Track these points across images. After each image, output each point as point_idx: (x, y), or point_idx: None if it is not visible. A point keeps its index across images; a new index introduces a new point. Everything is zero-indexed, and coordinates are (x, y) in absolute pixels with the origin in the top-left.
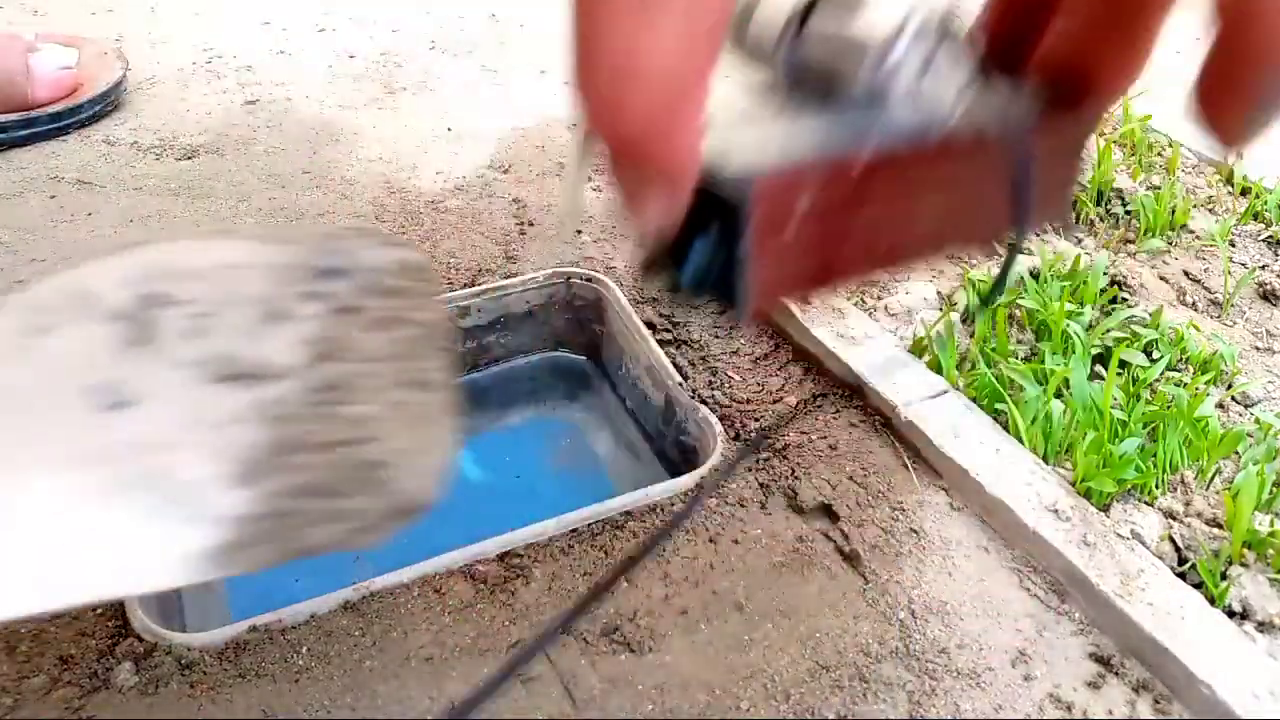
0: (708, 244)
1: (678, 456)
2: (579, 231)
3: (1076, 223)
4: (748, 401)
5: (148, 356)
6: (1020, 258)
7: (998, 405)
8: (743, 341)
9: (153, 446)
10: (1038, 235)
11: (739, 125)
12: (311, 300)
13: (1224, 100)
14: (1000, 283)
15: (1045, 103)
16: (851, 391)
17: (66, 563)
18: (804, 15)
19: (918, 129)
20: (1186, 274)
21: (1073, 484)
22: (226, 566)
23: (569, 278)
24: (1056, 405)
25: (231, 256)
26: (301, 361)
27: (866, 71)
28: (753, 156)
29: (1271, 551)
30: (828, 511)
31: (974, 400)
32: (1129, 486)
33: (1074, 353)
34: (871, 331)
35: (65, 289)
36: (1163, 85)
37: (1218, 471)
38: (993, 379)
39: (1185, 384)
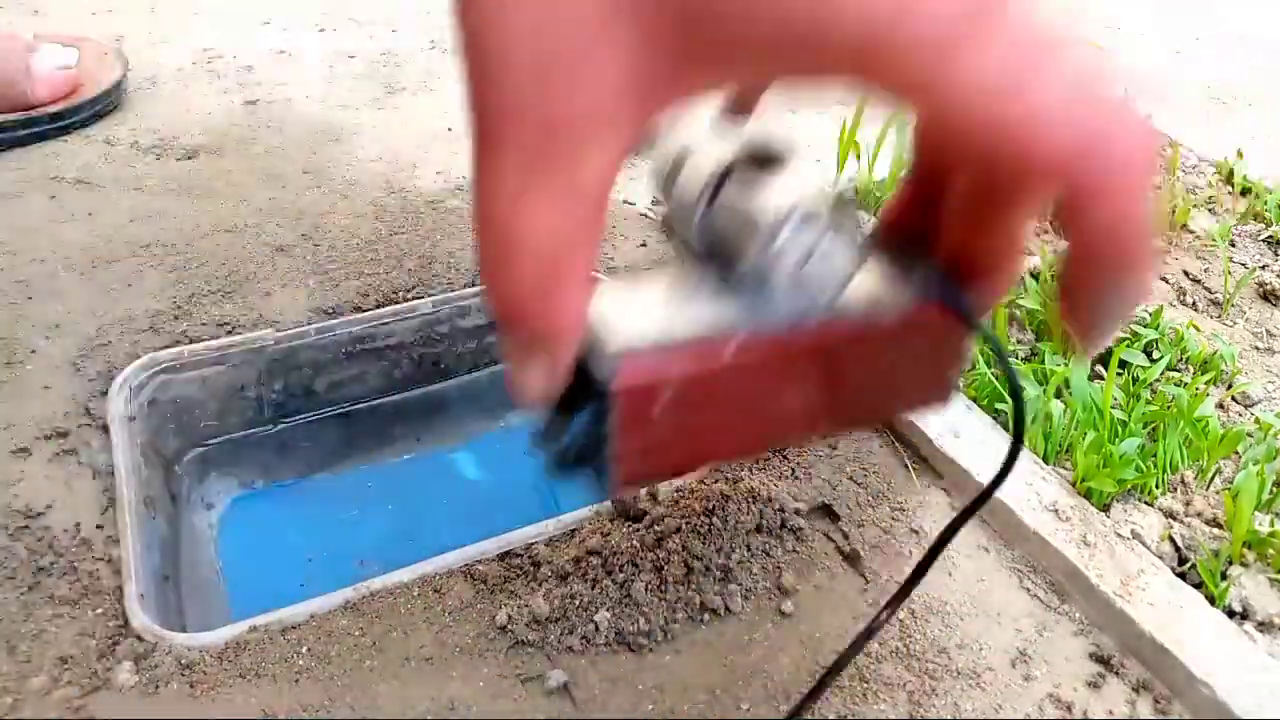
0: (582, 422)
1: None
2: None
3: None
4: None
5: None
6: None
7: (998, 405)
8: None
9: None
10: (914, 417)
11: (634, 292)
12: None
13: (1077, 309)
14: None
15: (932, 292)
16: None
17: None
18: (720, 180)
19: (794, 314)
20: (1186, 274)
21: (1073, 484)
22: None
23: None
24: (1056, 405)
25: None
26: None
27: (754, 252)
28: (633, 333)
29: (1271, 551)
30: (828, 511)
31: (974, 400)
32: (1129, 486)
33: (1074, 352)
34: None
35: None
36: (1163, 85)
37: (1218, 471)
38: (993, 379)
39: (1185, 384)
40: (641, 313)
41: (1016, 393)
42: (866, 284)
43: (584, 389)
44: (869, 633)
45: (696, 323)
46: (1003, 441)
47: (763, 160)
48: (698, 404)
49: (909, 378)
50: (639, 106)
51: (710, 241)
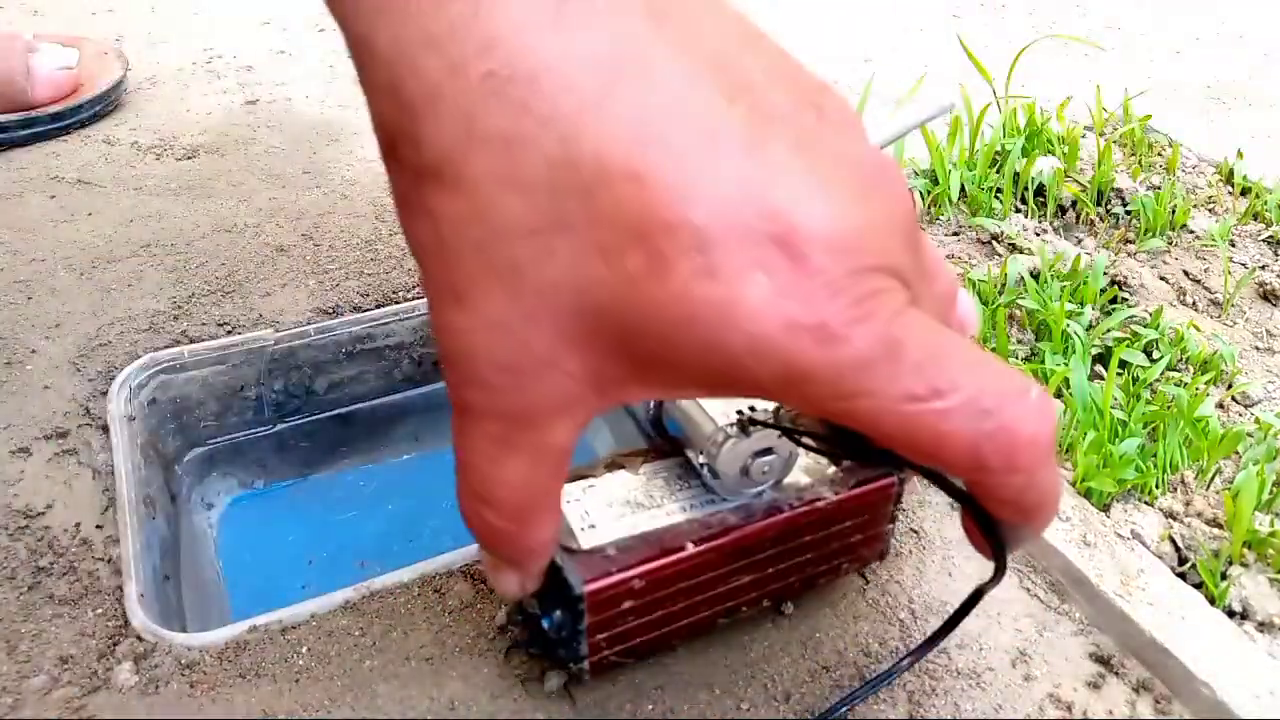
0: (555, 617)
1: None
2: None
3: (1077, 223)
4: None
5: None
6: (1021, 257)
7: None
8: None
9: None
10: (860, 572)
11: (602, 484)
12: None
13: (977, 538)
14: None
15: (861, 479)
16: None
17: None
18: None
19: (744, 503)
20: (1186, 274)
21: (1073, 484)
22: None
23: None
24: (1056, 405)
25: None
26: None
27: (705, 449)
28: (601, 533)
29: (1271, 551)
30: None
31: None
32: (1129, 486)
33: (1074, 353)
34: None
35: None
36: (1163, 85)
37: (1218, 471)
38: None
39: (1185, 384)
40: (607, 505)
41: (996, 540)
42: (806, 474)
43: (557, 585)
44: (886, 677)
45: (656, 517)
46: None
47: None
48: (660, 595)
49: (848, 544)
50: (597, 398)
51: (666, 431)
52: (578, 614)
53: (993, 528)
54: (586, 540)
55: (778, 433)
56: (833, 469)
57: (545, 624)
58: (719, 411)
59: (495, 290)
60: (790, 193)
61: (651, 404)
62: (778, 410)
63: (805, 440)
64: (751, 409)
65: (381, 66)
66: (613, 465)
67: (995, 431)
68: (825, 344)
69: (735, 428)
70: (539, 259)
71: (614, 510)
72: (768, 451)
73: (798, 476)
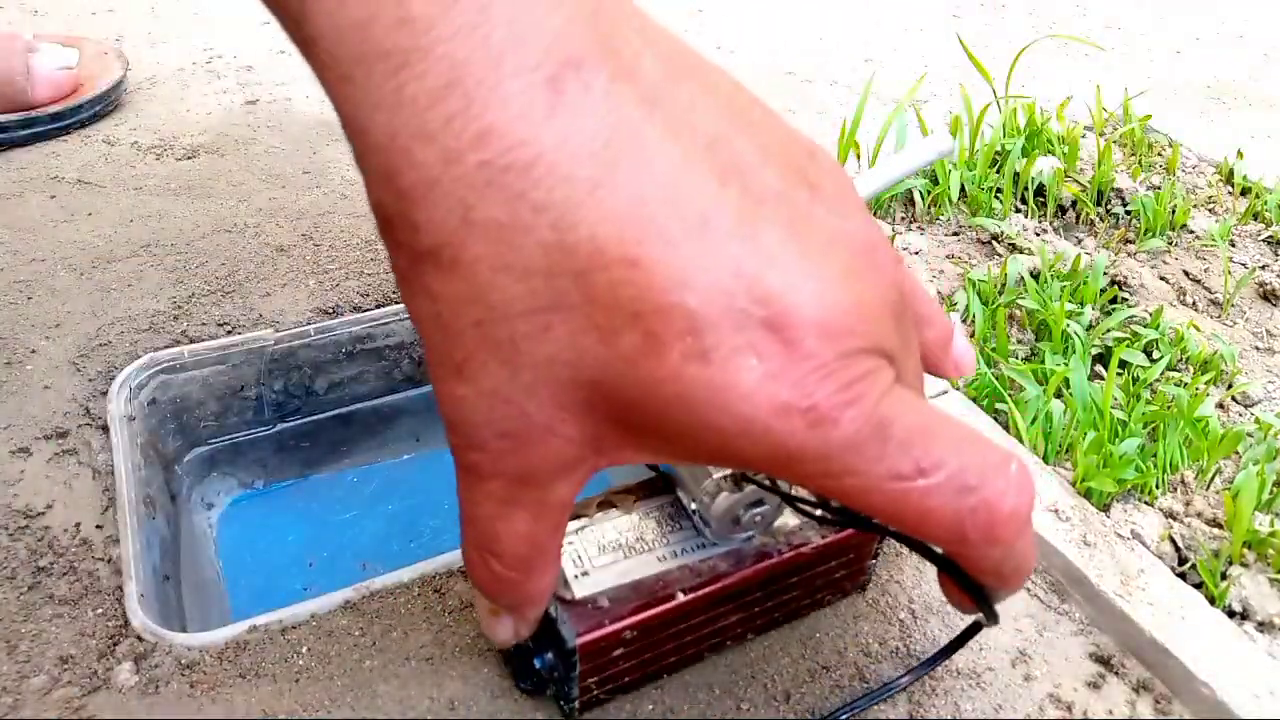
0: (548, 661)
1: None
2: None
3: (1077, 223)
4: None
5: None
6: (1021, 256)
7: (998, 405)
8: None
9: None
10: (842, 599)
11: (595, 529)
12: None
13: (956, 597)
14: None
15: (841, 524)
16: None
17: None
18: None
19: (735, 555)
20: (1186, 274)
21: (1073, 484)
22: None
23: None
24: (1056, 405)
25: None
26: None
27: (700, 499)
28: (593, 582)
29: (1271, 551)
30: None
31: (974, 400)
32: (1129, 486)
33: (1074, 353)
34: None
35: None
36: (1163, 85)
37: (1218, 471)
38: (993, 379)
39: (1185, 384)
40: (599, 549)
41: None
42: (794, 517)
43: (551, 635)
44: (884, 690)
45: (648, 562)
46: (1003, 441)
47: None
48: (650, 640)
49: (832, 579)
50: (596, 458)
51: (660, 476)
52: (571, 664)
53: (980, 591)
54: (580, 589)
55: (765, 493)
56: (817, 524)
57: (538, 663)
58: None
59: (494, 364)
60: (782, 277)
61: None
62: None
63: (799, 505)
64: None
65: (378, 154)
66: (605, 504)
67: (977, 507)
68: (815, 427)
69: (729, 480)
70: (536, 335)
71: (606, 556)
72: (759, 503)
73: (786, 519)
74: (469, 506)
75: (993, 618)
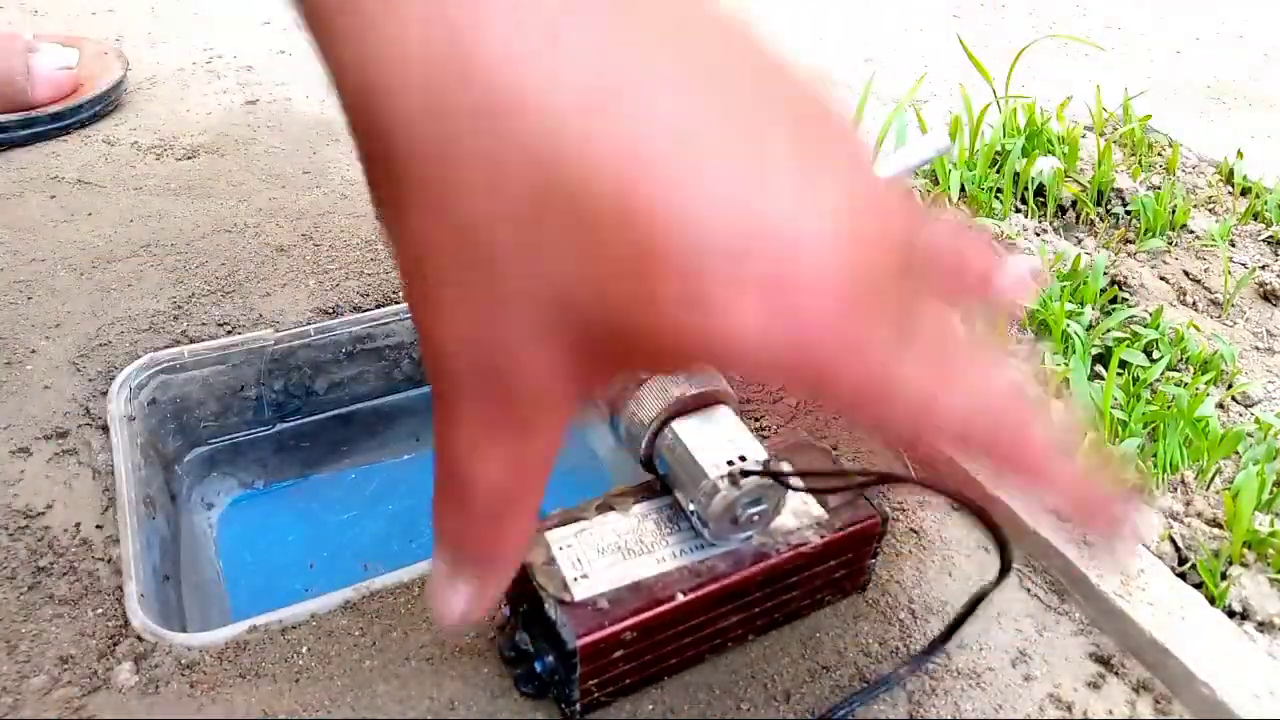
0: (548, 663)
1: None
2: None
3: (1077, 223)
4: (748, 401)
5: None
6: (1021, 257)
7: None
8: None
9: None
10: (841, 600)
11: (593, 527)
12: None
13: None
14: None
15: (846, 522)
16: None
17: None
18: (667, 418)
19: (734, 555)
20: (1186, 274)
21: None
22: None
23: None
24: (1056, 405)
25: None
26: None
27: (697, 499)
28: (593, 583)
29: (1271, 551)
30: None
31: None
32: (1129, 486)
33: (1074, 353)
34: None
35: None
36: (1163, 85)
37: (1218, 471)
38: None
39: (1185, 384)
40: (598, 552)
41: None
42: (793, 516)
43: (552, 637)
44: (883, 683)
45: (646, 564)
46: None
47: (705, 404)
48: (650, 641)
49: (832, 580)
50: (576, 389)
51: (656, 468)
52: (571, 666)
53: (996, 528)
54: (579, 591)
55: (768, 482)
56: (819, 511)
57: (539, 667)
58: (711, 462)
59: (476, 296)
60: (783, 218)
61: (644, 444)
62: (767, 462)
63: (795, 485)
64: (742, 458)
65: (357, 93)
66: (603, 507)
67: (1000, 433)
68: (816, 374)
69: (726, 480)
70: (522, 271)
71: (606, 558)
72: (757, 501)
73: (785, 519)
74: (444, 446)
75: (1006, 567)
